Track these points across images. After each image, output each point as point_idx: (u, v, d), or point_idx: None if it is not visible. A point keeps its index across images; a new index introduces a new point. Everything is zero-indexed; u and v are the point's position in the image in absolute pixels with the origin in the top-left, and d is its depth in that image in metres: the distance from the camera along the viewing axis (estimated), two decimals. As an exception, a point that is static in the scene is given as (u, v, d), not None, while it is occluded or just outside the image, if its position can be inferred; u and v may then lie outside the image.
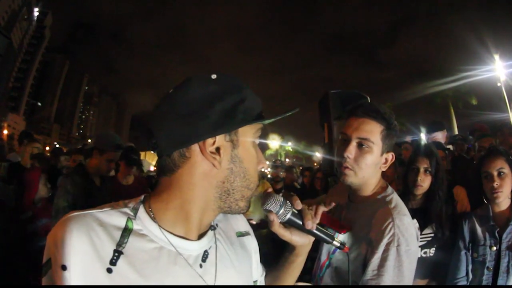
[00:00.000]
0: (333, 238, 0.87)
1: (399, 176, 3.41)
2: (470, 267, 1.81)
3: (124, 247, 0.61)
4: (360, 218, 1.28)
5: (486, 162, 1.84)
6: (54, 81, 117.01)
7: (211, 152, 0.66)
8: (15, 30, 72.68)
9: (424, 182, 1.96)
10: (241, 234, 0.90)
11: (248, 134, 0.71)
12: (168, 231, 0.67)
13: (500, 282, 1.68)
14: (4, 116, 68.50)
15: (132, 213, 0.66)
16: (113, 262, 0.58)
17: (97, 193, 2.68)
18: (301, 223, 0.81)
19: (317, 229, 0.83)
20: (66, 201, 2.49)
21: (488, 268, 1.74)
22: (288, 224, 0.81)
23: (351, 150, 1.24)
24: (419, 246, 1.90)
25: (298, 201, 0.81)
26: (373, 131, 1.24)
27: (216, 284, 0.71)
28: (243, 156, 0.70)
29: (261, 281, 0.94)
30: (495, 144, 3.14)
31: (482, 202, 1.90)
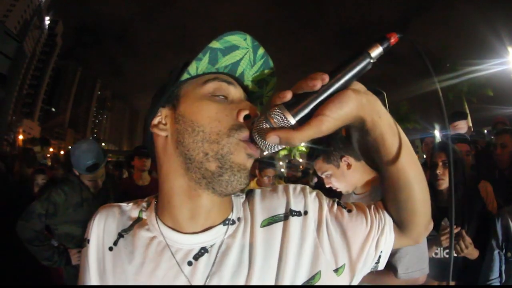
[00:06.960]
0: (367, 54, 0.52)
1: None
2: (503, 267, 1.69)
3: (127, 232, 0.68)
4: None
5: None
6: (67, 87, 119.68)
7: (160, 123, 0.67)
8: (27, 39, 74.48)
9: (445, 174, 1.95)
10: (270, 222, 0.67)
11: (190, 92, 0.65)
12: (161, 221, 0.67)
13: (537, 284, 1.54)
14: (19, 122, 70.29)
15: (145, 206, 0.72)
16: (115, 242, 0.68)
17: (92, 202, 2.37)
18: (310, 96, 0.51)
19: (335, 75, 0.51)
20: (45, 210, 2.20)
21: None
22: (305, 116, 0.51)
23: (327, 182, 1.68)
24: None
25: (283, 92, 0.52)
26: (322, 167, 1.66)
27: None
28: (186, 111, 0.63)
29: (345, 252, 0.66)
30: None
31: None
